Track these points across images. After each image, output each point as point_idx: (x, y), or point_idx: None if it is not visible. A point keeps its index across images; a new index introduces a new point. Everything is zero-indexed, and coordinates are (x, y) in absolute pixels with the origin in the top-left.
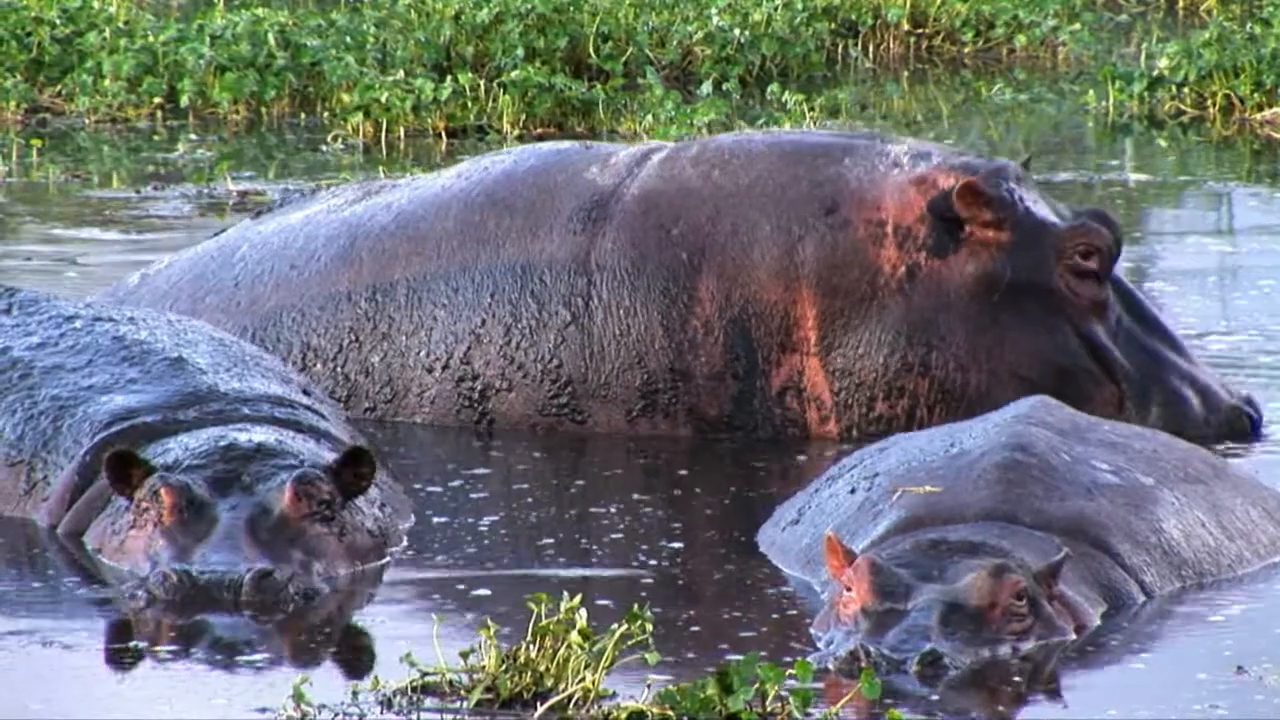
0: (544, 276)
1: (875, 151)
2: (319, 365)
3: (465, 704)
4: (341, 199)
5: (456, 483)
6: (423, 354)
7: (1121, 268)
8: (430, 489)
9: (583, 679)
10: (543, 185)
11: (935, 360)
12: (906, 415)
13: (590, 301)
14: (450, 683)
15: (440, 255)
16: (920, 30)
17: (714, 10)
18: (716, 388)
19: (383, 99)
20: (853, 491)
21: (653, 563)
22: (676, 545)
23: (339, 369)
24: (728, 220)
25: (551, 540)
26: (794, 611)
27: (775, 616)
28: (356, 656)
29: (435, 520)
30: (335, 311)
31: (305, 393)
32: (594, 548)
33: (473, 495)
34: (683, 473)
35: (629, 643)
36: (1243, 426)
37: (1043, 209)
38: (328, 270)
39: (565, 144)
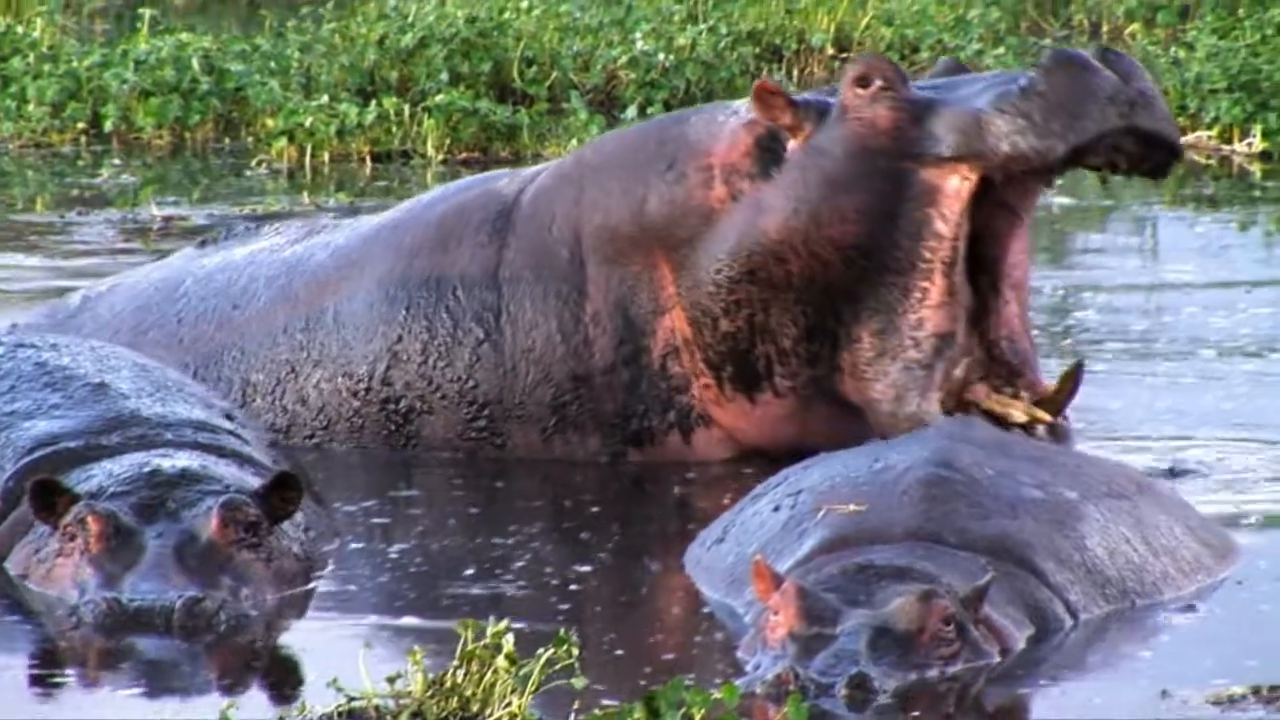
0: (457, 291)
1: (721, 108)
2: (258, 400)
3: None
4: (285, 238)
5: (382, 507)
6: (348, 377)
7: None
8: (356, 513)
9: (509, 704)
10: (459, 199)
11: (757, 262)
12: (748, 325)
13: (500, 317)
14: (377, 708)
15: (363, 275)
16: (844, 54)
17: (638, 34)
18: (611, 381)
19: (307, 124)
20: (777, 509)
21: (578, 587)
22: (601, 568)
23: (277, 401)
24: (588, 199)
25: (476, 565)
26: (720, 635)
27: (701, 640)
28: (283, 681)
29: (361, 545)
30: (273, 346)
31: (228, 417)
32: (519, 572)
33: (399, 519)
34: (605, 495)
35: (555, 667)
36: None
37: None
38: (267, 309)
39: (499, 171)
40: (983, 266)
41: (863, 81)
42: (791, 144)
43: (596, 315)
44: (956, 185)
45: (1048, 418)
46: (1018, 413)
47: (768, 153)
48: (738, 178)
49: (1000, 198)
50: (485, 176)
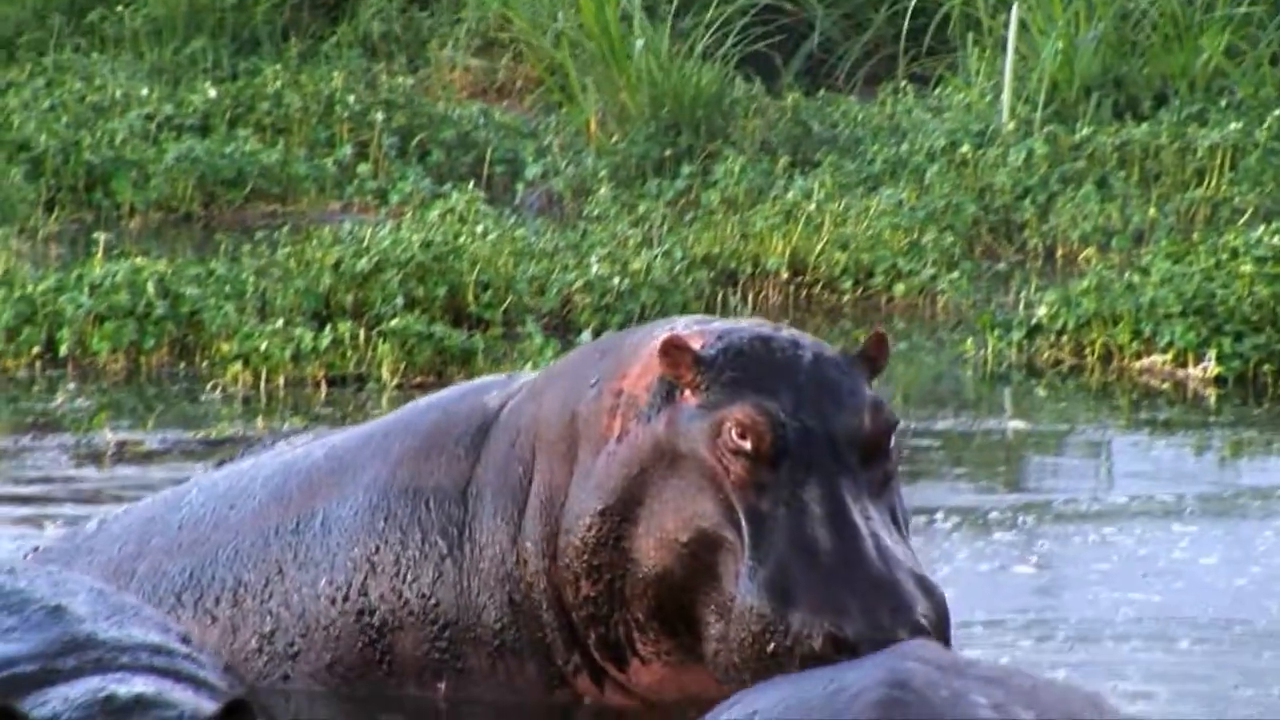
0: (429, 503)
1: (668, 323)
2: (249, 600)
3: None
4: (289, 445)
5: None
6: (330, 584)
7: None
8: None
9: None
10: (449, 409)
11: (624, 530)
12: (607, 592)
13: (462, 533)
14: None
15: (354, 480)
16: (799, 279)
17: (593, 259)
18: (534, 612)
19: (262, 348)
20: None
21: None
22: None
23: (264, 603)
24: (542, 412)
25: None
26: None
27: None
28: None
29: None
30: (265, 546)
31: (184, 640)
32: None
33: None
34: None
35: None
36: (808, 649)
37: (747, 385)
38: (261, 508)
39: (500, 376)
40: None
41: (741, 433)
42: (683, 397)
43: (524, 533)
44: None
45: None
46: None
47: (665, 387)
48: (631, 414)
49: None
50: (480, 384)
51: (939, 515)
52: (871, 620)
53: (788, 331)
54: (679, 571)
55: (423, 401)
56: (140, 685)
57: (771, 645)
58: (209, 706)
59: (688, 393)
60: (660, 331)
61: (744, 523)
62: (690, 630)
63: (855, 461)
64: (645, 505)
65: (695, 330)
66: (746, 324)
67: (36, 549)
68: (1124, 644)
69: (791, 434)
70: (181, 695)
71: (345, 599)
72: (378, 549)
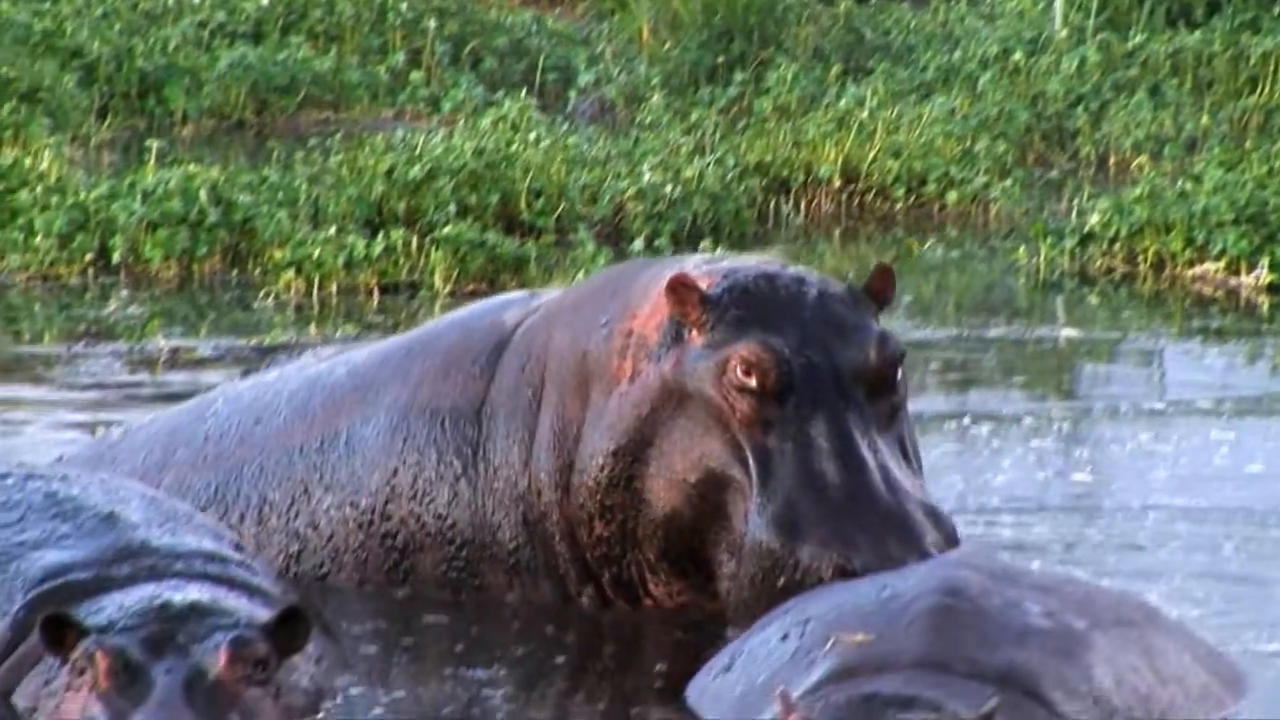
0: (445, 423)
1: (677, 262)
2: (274, 519)
3: None
4: (315, 358)
5: (391, 638)
6: (354, 508)
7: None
8: (364, 643)
9: None
10: (468, 326)
11: (635, 470)
12: (620, 532)
13: (476, 453)
14: None
15: (376, 400)
16: (852, 187)
17: (646, 167)
18: (546, 532)
19: (315, 255)
20: (785, 638)
21: (588, 717)
22: (611, 698)
23: (290, 523)
24: (554, 341)
25: (485, 693)
26: None
27: None
28: None
29: (369, 676)
30: (290, 465)
31: (237, 548)
32: (528, 702)
33: (408, 652)
34: (601, 631)
35: None
36: (816, 582)
37: (752, 323)
38: (286, 424)
39: (521, 292)
40: None
41: (746, 370)
42: (691, 337)
43: (538, 460)
44: None
45: None
46: None
47: (675, 328)
48: (641, 355)
49: None
50: (502, 301)
51: (991, 423)
52: (879, 551)
53: (794, 269)
54: (688, 512)
55: (445, 318)
56: (195, 592)
57: (781, 580)
58: (264, 613)
59: (694, 332)
60: (669, 271)
61: (751, 460)
62: (700, 571)
63: (862, 395)
64: (655, 446)
65: (703, 270)
66: (753, 262)
67: (61, 457)
68: (1171, 547)
69: (797, 369)
70: (236, 602)
71: (370, 523)
72: (397, 471)
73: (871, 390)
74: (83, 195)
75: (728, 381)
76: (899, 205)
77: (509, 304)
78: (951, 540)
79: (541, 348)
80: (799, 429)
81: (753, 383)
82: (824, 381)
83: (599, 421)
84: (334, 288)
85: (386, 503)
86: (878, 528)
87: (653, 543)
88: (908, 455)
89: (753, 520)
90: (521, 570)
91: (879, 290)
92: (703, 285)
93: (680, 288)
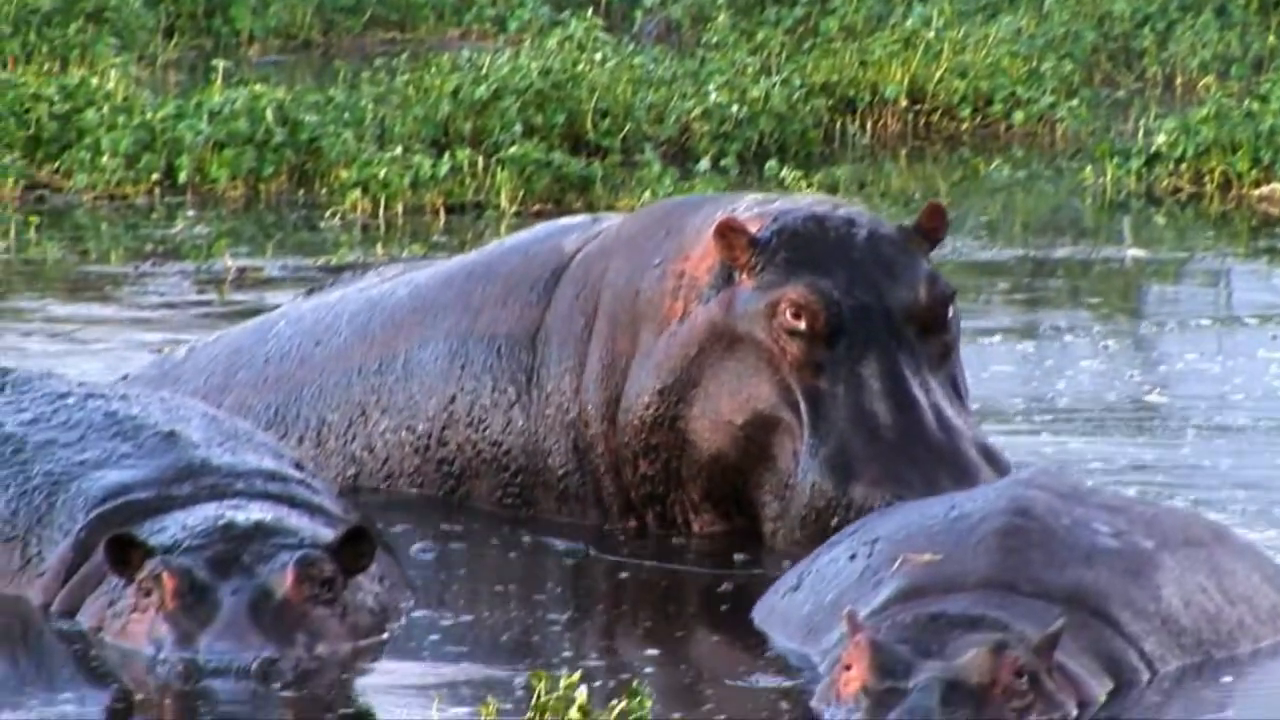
0: (501, 349)
1: (730, 201)
2: (332, 440)
3: None
4: (379, 277)
5: (453, 556)
6: (411, 432)
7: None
8: (427, 562)
9: None
10: (529, 252)
11: (680, 411)
12: (664, 471)
13: (530, 380)
14: None
15: (435, 324)
16: (918, 107)
17: (712, 87)
18: (596, 461)
19: (381, 175)
20: (853, 558)
21: (651, 638)
22: (668, 622)
23: (347, 445)
24: (609, 273)
25: (548, 615)
26: (790, 685)
27: (773, 690)
28: None
29: (433, 595)
30: (348, 386)
31: (298, 467)
32: (589, 622)
33: (471, 569)
34: (668, 550)
35: (628, 719)
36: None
37: (801, 265)
38: (346, 345)
39: (584, 217)
40: None
41: (796, 312)
42: (740, 280)
43: (587, 391)
44: None
45: None
46: None
47: (725, 271)
48: (692, 296)
49: None
50: (563, 226)
51: (1057, 343)
52: (933, 490)
53: (845, 209)
54: (733, 454)
55: (507, 242)
56: (258, 512)
57: (835, 520)
58: (327, 533)
59: (744, 275)
60: (722, 211)
61: (802, 403)
62: (743, 513)
63: (913, 335)
64: (701, 387)
65: (754, 213)
66: (805, 202)
67: (125, 376)
68: (1240, 466)
69: (846, 311)
70: (299, 521)
71: (427, 449)
72: (454, 398)
73: (922, 329)
74: (149, 115)
75: (778, 325)
76: (965, 125)
77: (570, 229)
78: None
79: (597, 278)
80: (850, 370)
81: (802, 325)
82: (874, 322)
83: (647, 360)
84: (400, 208)
85: (444, 429)
86: (930, 466)
87: (696, 484)
88: (960, 395)
89: (804, 462)
90: (570, 497)
91: (930, 229)
92: (752, 228)
93: (729, 231)
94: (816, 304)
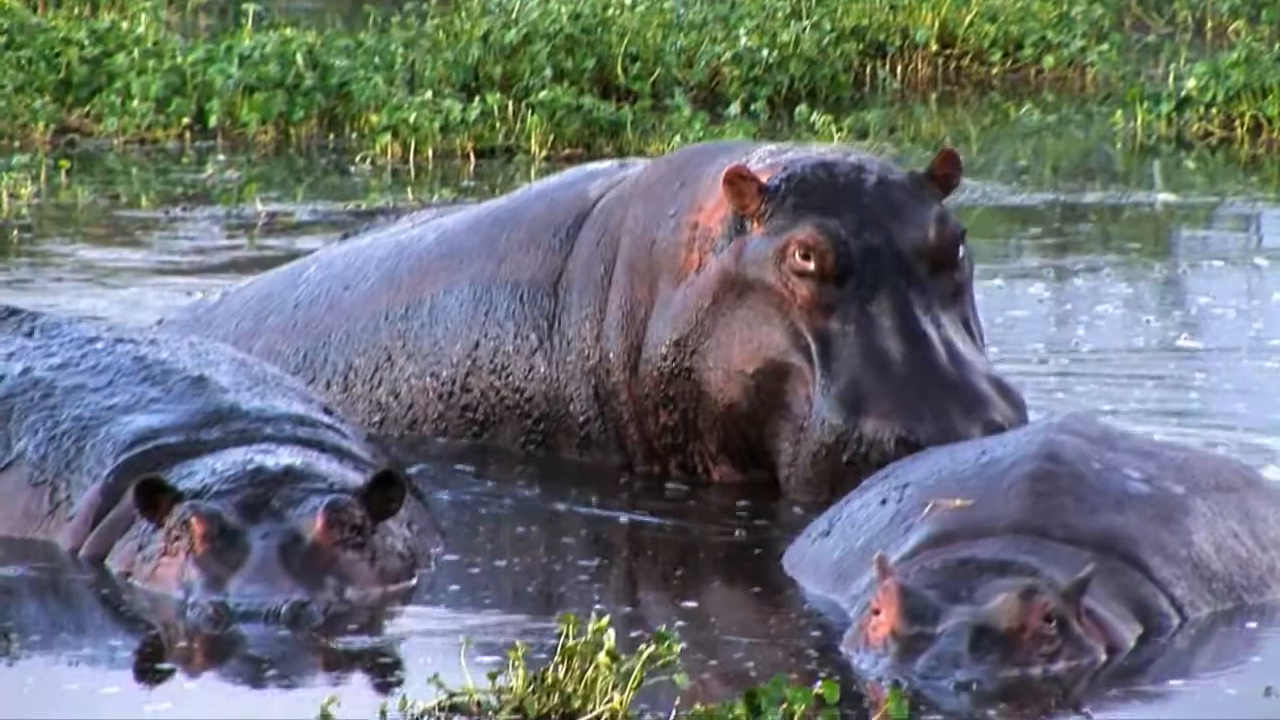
0: (524, 296)
1: (746, 151)
2: (358, 385)
3: None
4: (411, 222)
5: (481, 501)
6: (435, 378)
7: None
8: (455, 506)
9: (610, 700)
10: (554, 198)
11: (695, 363)
12: (683, 421)
13: (552, 326)
14: (478, 703)
15: (461, 270)
16: (948, 51)
17: (742, 31)
18: (617, 409)
19: (411, 120)
20: (883, 503)
21: (679, 583)
22: (698, 567)
23: (373, 391)
24: (628, 221)
25: (575, 561)
26: (819, 631)
27: (803, 636)
28: (385, 677)
29: (462, 539)
30: (375, 331)
31: (327, 411)
32: (616, 569)
33: (498, 513)
34: (691, 500)
35: (657, 664)
36: (879, 456)
37: (810, 209)
38: (373, 290)
39: (611, 162)
40: None
41: (805, 253)
42: (751, 228)
43: (607, 339)
44: None
45: None
46: None
47: (737, 221)
48: (706, 247)
49: None
50: (589, 171)
51: (1088, 286)
52: (943, 423)
53: (855, 156)
54: (746, 404)
55: (534, 187)
56: (287, 456)
57: (846, 455)
58: (356, 477)
59: (755, 223)
60: (735, 162)
61: (813, 345)
62: (760, 464)
63: (924, 273)
64: (714, 338)
65: (766, 163)
66: (815, 151)
67: (160, 321)
68: (1271, 411)
69: (855, 251)
70: (328, 466)
71: (451, 395)
72: (478, 344)
73: (933, 268)
74: (179, 59)
75: (787, 267)
76: (995, 70)
77: (595, 175)
78: (1020, 411)
79: (617, 225)
80: (860, 310)
81: (811, 266)
82: (884, 262)
83: (665, 311)
84: (430, 152)
85: (467, 375)
86: (941, 399)
87: (713, 434)
88: (972, 333)
89: (817, 401)
90: (592, 444)
91: (943, 175)
92: (762, 177)
93: (738, 180)
94: (825, 244)
